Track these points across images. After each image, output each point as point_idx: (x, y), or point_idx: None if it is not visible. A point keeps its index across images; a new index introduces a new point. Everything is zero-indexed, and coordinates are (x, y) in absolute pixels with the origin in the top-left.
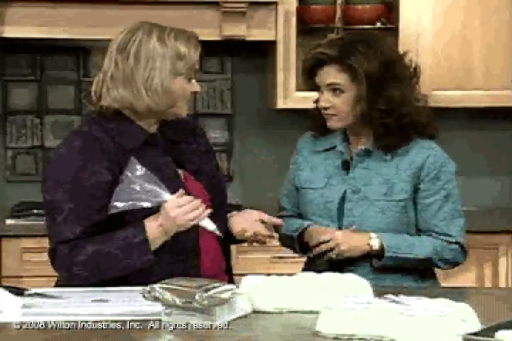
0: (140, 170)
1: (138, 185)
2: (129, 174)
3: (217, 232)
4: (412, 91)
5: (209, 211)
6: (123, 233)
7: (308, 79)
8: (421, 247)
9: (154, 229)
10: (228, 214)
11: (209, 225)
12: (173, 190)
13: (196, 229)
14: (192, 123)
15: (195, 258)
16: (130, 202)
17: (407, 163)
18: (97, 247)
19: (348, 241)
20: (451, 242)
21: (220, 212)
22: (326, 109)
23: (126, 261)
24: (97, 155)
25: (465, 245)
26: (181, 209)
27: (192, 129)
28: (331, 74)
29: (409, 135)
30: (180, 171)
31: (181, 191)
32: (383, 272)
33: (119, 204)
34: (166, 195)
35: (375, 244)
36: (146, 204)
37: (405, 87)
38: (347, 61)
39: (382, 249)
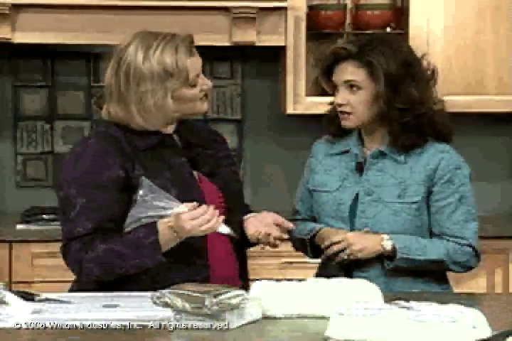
0: (151, 188)
1: (150, 203)
2: (141, 194)
3: (232, 234)
4: (429, 92)
5: (222, 218)
6: (135, 233)
7: (325, 77)
8: (433, 249)
9: (166, 232)
10: (245, 217)
11: (223, 229)
12: (188, 191)
13: None
14: (214, 132)
15: (203, 258)
16: (144, 220)
17: (422, 165)
18: (108, 246)
19: (360, 241)
20: (465, 245)
21: (234, 215)
22: (341, 106)
23: (136, 261)
24: (111, 151)
25: (478, 249)
26: (196, 222)
27: (211, 136)
28: (348, 71)
29: (426, 135)
30: (195, 172)
31: (194, 203)
32: (395, 275)
33: (134, 224)
34: (180, 207)
35: (388, 245)
36: (161, 216)
37: (424, 87)
38: (366, 57)
39: (394, 251)
